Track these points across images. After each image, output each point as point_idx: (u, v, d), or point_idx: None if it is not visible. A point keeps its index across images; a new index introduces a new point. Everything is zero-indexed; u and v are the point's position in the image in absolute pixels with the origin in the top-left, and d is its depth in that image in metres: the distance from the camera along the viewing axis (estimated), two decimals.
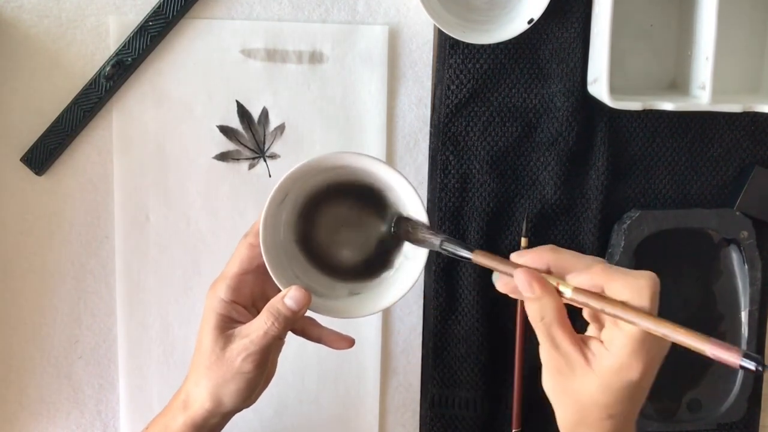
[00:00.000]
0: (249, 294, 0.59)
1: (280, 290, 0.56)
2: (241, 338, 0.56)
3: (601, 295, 0.48)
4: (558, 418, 0.53)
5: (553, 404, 0.52)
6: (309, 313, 0.58)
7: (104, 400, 0.75)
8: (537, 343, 0.75)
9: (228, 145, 0.72)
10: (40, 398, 0.74)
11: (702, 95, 0.68)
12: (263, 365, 0.57)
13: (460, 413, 0.76)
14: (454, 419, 0.76)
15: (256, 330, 0.56)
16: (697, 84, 0.69)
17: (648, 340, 0.47)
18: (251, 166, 0.73)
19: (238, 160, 0.73)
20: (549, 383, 0.52)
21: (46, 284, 0.73)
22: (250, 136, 0.72)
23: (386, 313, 0.75)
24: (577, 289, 0.49)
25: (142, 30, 0.69)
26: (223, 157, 0.72)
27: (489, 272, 0.73)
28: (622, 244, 0.72)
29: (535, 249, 0.51)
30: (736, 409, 0.75)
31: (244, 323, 0.57)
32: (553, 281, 0.50)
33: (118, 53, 0.70)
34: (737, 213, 0.73)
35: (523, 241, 0.72)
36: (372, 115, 0.73)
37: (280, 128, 0.73)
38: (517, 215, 0.74)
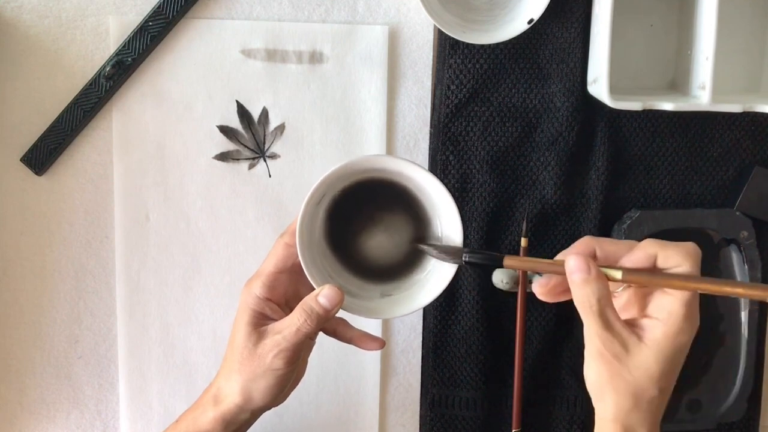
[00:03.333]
0: (283, 293, 0.59)
1: (313, 290, 0.57)
2: (273, 334, 0.57)
3: (652, 271, 0.52)
4: (606, 411, 0.53)
5: (602, 395, 0.53)
6: (340, 313, 0.58)
7: (104, 400, 0.75)
8: (537, 344, 0.75)
9: (228, 145, 0.72)
10: (40, 398, 0.74)
11: (702, 95, 0.68)
12: (294, 362, 0.57)
13: (460, 413, 0.76)
14: (454, 419, 0.76)
15: (288, 327, 0.56)
16: (697, 84, 0.69)
17: (695, 303, 0.52)
18: (251, 166, 0.73)
19: (238, 160, 0.73)
20: (600, 371, 0.52)
21: (46, 284, 0.73)
22: (250, 136, 0.72)
23: None
24: (627, 270, 0.52)
25: (142, 30, 0.69)
26: (223, 157, 0.72)
27: (489, 272, 0.73)
28: None
29: (576, 242, 0.54)
30: (736, 409, 0.75)
31: (277, 320, 0.58)
32: (606, 271, 0.53)
33: (118, 53, 0.70)
34: (737, 213, 0.73)
35: (523, 241, 0.72)
36: (372, 115, 0.73)
37: (280, 128, 0.73)
38: (517, 215, 0.74)
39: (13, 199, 0.71)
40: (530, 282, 0.72)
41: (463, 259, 0.56)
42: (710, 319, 0.76)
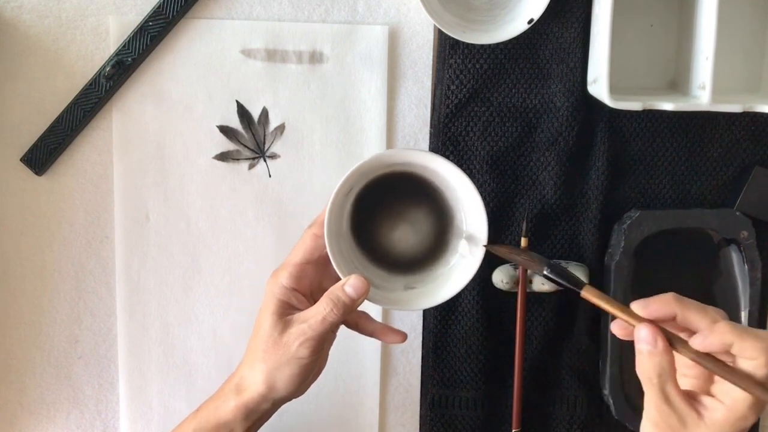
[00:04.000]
0: (308, 284, 0.60)
1: (338, 281, 0.58)
2: (299, 323, 0.57)
3: (721, 362, 0.51)
4: None
5: None
6: (363, 306, 0.59)
7: (104, 400, 0.75)
8: (537, 344, 0.75)
9: (228, 145, 0.72)
10: (40, 398, 0.74)
11: (702, 95, 0.68)
12: (318, 352, 0.58)
13: (460, 413, 0.76)
14: (454, 419, 0.76)
15: (314, 315, 0.57)
16: (697, 84, 0.69)
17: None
18: (251, 166, 0.73)
19: (238, 160, 0.73)
20: None
21: (46, 284, 0.73)
22: (250, 136, 0.72)
23: (386, 313, 0.75)
24: (697, 353, 0.51)
25: (142, 30, 0.69)
26: (223, 157, 0.72)
27: (489, 273, 0.73)
28: (622, 244, 0.72)
29: (658, 298, 0.52)
30: None
31: (302, 311, 0.58)
32: (676, 343, 0.52)
33: (118, 53, 0.70)
34: (737, 213, 0.73)
35: (523, 241, 0.72)
36: (372, 115, 0.73)
37: (280, 128, 0.73)
38: (517, 215, 0.74)
39: (13, 199, 0.71)
40: (530, 282, 0.72)
41: (545, 272, 0.56)
42: None
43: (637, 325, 0.52)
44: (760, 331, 0.51)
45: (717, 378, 0.52)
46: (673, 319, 0.52)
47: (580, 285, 0.54)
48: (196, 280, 0.74)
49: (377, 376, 0.75)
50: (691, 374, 0.54)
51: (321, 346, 0.58)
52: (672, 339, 0.52)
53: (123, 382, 0.74)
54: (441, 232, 0.62)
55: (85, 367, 0.74)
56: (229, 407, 0.59)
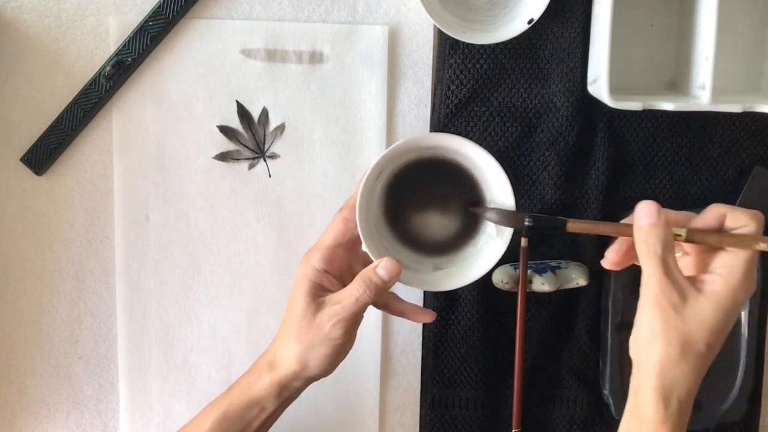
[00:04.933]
0: (339, 266, 0.61)
1: (365, 266, 0.59)
2: (332, 304, 0.58)
3: (717, 232, 0.54)
4: (652, 361, 0.53)
5: (651, 345, 0.53)
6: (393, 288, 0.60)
7: (104, 400, 0.75)
8: (537, 344, 0.75)
9: (228, 145, 0.72)
10: (40, 398, 0.74)
11: (702, 95, 0.68)
12: (351, 332, 0.59)
13: (460, 413, 0.76)
14: (454, 419, 0.76)
15: (347, 297, 0.58)
16: (697, 84, 0.69)
17: (754, 263, 0.53)
18: (251, 166, 0.73)
19: (238, 160, 0.73)
20: (654, 319, 0.52)
21: (46, 284, 0.73)
22: (250, 136, 0.72)
23: (386, 317, 0.75)
24: (693, 230, 0.54)
25: (142, 30, 0.69)
26: (223, 157, 0.72)
27: (489, 273, 0.73)
28: None
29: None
30: (736, 409, 0.75)
31: (333, 292, 0.60)
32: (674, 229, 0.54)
33: (118, 53, 0.70)
34: None
35: (523, 241, 0.71)
36: (372, 115, 0.73)
37: (280, 128, 0.73)
38: None
39: (13, 199, 0.71)
40: (530, 282, 0.72)
41: (526, 223, 0.58)
42: None
43: (638, 204, 0.54)
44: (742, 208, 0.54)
45: (711, 260, 0.54)
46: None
47: (563, 223, 0.57)
48: (196, 280, 0.74)
49: (377, 376, 0.75)
50: (685, 272, 0.55)
51: (354, 326, 0.59)
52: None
53: (123, 382, 0.74)
54: (469, 214, 0.63)
55: (85, 367, 0.74)
56: (263, 384, 0.60)
